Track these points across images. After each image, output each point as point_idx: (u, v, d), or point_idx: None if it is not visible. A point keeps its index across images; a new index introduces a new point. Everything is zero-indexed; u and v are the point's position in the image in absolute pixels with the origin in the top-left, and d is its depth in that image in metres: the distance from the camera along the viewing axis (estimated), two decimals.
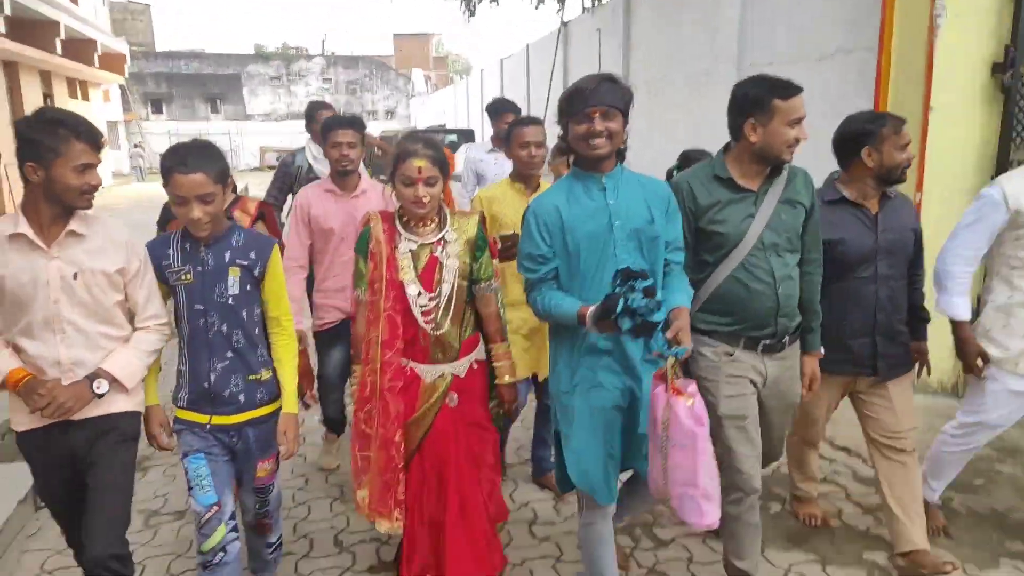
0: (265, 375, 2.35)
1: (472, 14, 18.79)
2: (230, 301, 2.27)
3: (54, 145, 1.94)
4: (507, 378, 2.58)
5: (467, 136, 16.78)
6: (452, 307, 2.45)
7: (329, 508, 3.32)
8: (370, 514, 2.50)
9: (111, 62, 20.11)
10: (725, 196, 2.36)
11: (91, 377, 2.07)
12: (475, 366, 2.55)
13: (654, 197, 2.23)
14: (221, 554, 2.25)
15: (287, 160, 4.40)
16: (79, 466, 2.14)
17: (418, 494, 2.51)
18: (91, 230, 2.10)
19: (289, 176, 4.26)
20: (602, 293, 2.05)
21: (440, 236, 2.46)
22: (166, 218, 3.22)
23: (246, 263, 2.29)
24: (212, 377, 2.27)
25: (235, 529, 2.29)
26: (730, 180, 2.37)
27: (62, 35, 15.66)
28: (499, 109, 4.68)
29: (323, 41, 43.09)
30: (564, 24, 13.71)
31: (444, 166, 2.41)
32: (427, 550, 2.52)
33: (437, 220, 2.48)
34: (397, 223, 2.47)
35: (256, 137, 36.80)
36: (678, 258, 2.29)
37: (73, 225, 2.05)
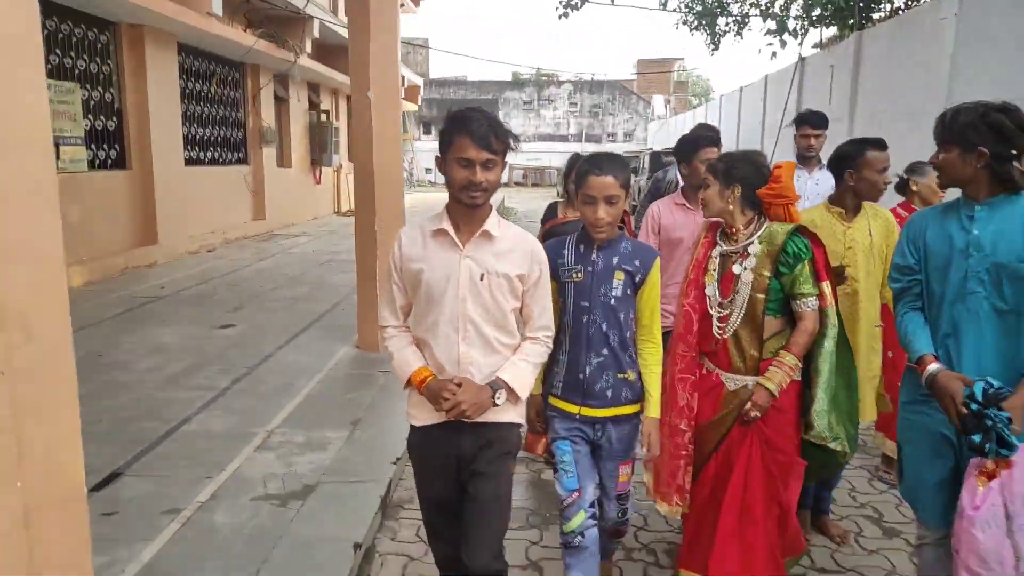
0: (631, 376, 2.44)
1: (716, 47, 20.56)
2: (612, 302, 2.40)
3: (448, 138, 2.06)
4: (768, 384, 2.43)
5: None
6: (743, 316, 2.49)
7: (526, 520, 3.40)
8: (653, 495, 2.67)
9: (410, 93, 24.80)
10: None
11: (493, 386, 2.11)
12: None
13: None
14: (580, 538, 2.41)
15: (659, 176, 4.76)
16: (461, 472, 2.19)
17: (708, 494, 2.56)
18: (502, 233, 2.15)
19: (659, 190, 4.51)
20: (946, 322, 2.12)
21: (744, 247, 2.52)
22: (548, 217, 3.93)
23: (630, 269, 2.41)
24: (587, 370, 2.41)
25: (594, 516, 2.46)
26: None
27: None
28: (801, 120, 4.60)
29: (593, 74, 45.87)
30: (802, 59, 15.14)
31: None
32: (706, 549, 2.51)
33: (749, 229, 2.53)
34: (718, 235, 2.63)
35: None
36: None
37: (487, 226, 2.12)
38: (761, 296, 2.47)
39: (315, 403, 4.65)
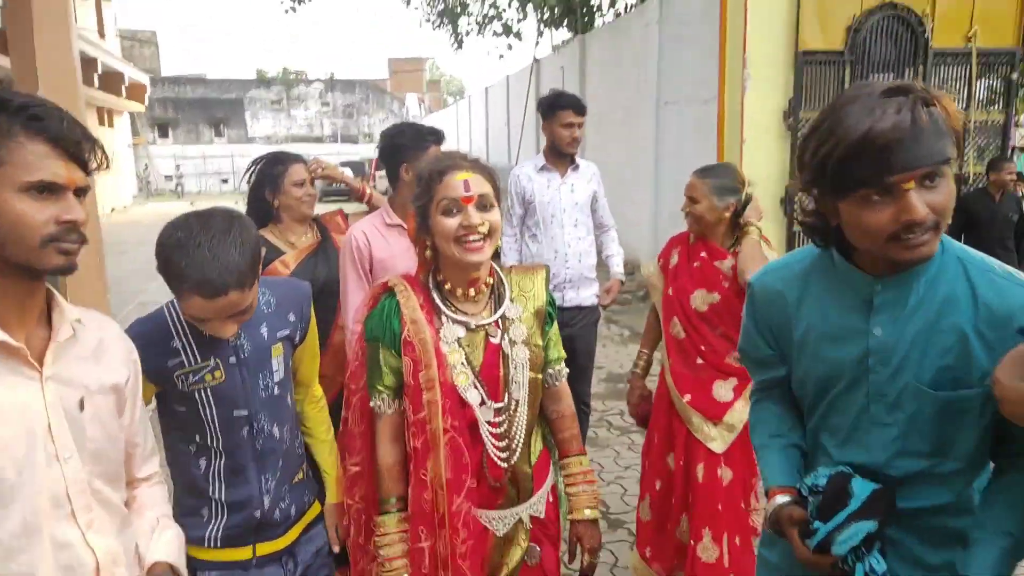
0: (303, 471, 1.83)
1: (460, 46, 21.05)
2: (276, 391, 1.71)
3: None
4: (588, 512, 1.71)
5: None
6: (528, 418, 1.64)
7: None
8: None
9: (133, 91, 22.34)
10: None
11: None
12: (551, 497, 1.75)
13: None
14: None
15: None
16: None
17: None
18: (79, 323, 1.24)
19: None
20: None
21: (500, 312, 1.62)
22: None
23: (289, 332, 1.76)
24: (265, 499, 1.68)
25: None
26: None
27: (99, 70, 17.89)
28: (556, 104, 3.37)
29: (331, 74, 44.56)
30: (536, 60, 15.95)
31: (498, 187, 1.61)
32: None
33: (490, 284, 1.65)
34: (434, 295, 1.61)
35: None
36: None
37: (60, 318, 1.21)
38: (539, 378, 1.76)
39: None
